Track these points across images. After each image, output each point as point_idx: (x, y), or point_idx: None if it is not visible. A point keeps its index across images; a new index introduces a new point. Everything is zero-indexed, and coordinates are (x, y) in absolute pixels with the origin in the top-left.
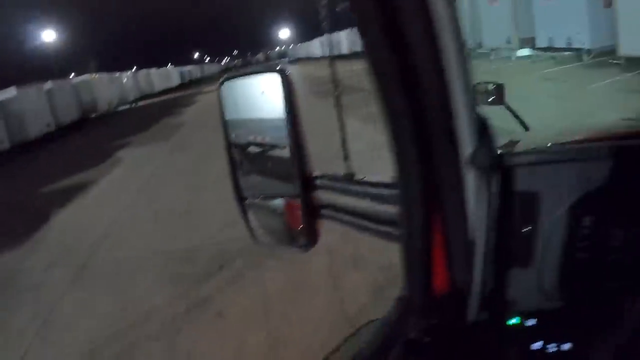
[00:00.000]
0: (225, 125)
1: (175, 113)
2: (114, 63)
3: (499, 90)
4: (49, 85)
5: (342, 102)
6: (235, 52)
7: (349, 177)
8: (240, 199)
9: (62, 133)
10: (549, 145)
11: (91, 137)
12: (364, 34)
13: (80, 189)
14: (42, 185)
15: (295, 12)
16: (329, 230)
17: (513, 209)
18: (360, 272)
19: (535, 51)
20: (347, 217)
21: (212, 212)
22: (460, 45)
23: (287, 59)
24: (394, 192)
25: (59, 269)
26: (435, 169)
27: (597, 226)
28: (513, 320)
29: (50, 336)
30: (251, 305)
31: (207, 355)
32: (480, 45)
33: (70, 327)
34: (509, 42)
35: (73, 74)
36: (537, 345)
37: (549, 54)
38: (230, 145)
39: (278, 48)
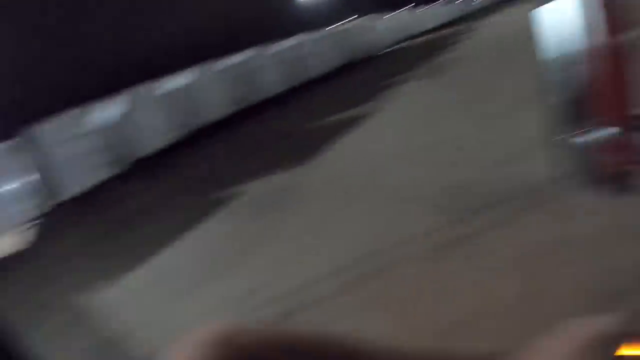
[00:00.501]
0: (540, 58)
1: (449, 50)
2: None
3: None
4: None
5: None
6: None
7: None
8: (553, 136)
9: (337, 72)
10: None
11: (365, 75)
12: None
13: (354, 122)
14: (316, 120)
15: None
16: None
17: None
18: None
19: None
20: None
21: (486, 148)
22: None
23: None
24: None
25: (336, 187)
26: None
27: None
28: None
29: (319, 241)
30: (512, 253)
31: (456, 289)
32: None
33: (337, 237)
34: None
35: (352, 16)
36: None
37: None
38: (544, 80)
39: None
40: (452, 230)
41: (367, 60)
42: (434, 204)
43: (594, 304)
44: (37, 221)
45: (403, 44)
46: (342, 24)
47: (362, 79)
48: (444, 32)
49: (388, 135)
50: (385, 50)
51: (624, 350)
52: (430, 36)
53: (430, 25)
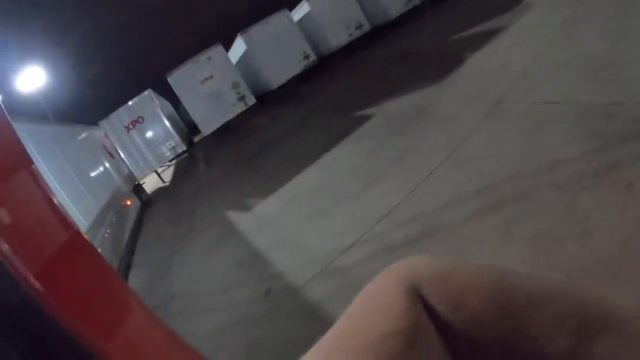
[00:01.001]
0: None
1: None
2: None
3: None
4: None
5: None
6: None
7: None
8: None
9: None
10: None
11: None
12: None
13: (489, 35)
14: (450, 35)
15: None
16: None
17: None
18: None
19: None
20: None
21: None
22: None
23: None
24: None
25: (472, 105)
26: None
27: None
28: None
29: (456, 162)
30: None
31: (604, 221)
32: None
33: (475, 158)
34: None
35: None
36: None
37: None
38: None
39: None
40: (600, 157)
41: None
42: (579, 125)
43: None
44: (182, 156)
45: None
46: None
47: None
48: None
49: (522, 51)
50: None
51: None
52: None
53: None
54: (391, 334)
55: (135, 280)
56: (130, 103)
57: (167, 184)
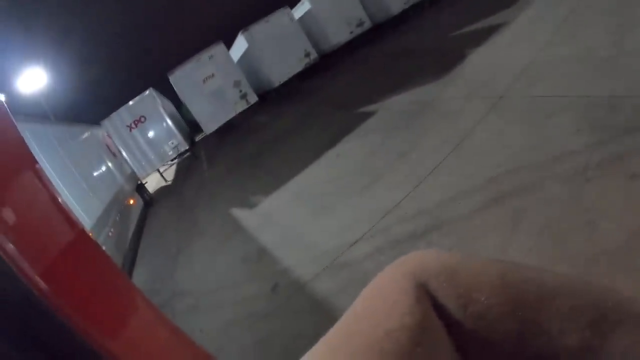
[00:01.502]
0: None
1: None
2: None
3: None
4: None
5: None
6: None
7: None
8: None
9: None
10: None
11: None
12: None
13: (490, 31)
14: (451, 31)
15: None
16: None
17: None
18: None
19: None
20: None
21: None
22: None
23: None
24: None
25: (475, 100)
26: None
27: None
28: None
29: (461, 155)
30: None
31: (610, 211)
32: None
33: (479, 152)
34: None
35: None
36: None
37: None
38: None
39: None
40: (604, 148)
41: None
42: (582, 118)
43: None
44: (184, 155)
45: None
46: None
47: None
48: None
49: (524, 46)
50: None
51: None
52: None
53: None
54: (396, 331)
55: (139, 278)
56: (132, 102)
57: (169, 182)
